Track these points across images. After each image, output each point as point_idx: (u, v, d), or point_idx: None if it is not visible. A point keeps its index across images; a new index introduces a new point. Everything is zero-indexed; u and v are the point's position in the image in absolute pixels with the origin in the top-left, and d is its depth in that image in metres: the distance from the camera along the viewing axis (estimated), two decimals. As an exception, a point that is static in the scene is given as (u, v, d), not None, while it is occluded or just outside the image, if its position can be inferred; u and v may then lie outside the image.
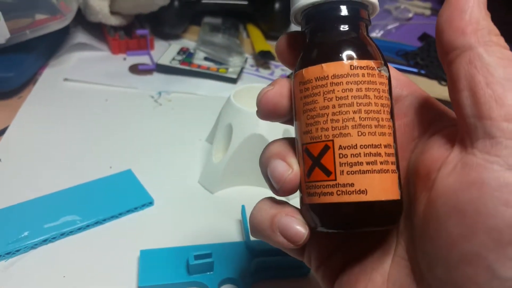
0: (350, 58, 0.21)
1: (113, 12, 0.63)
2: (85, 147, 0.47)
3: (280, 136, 0.41)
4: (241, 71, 0.63)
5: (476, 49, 0.19)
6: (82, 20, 0.65)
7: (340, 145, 0.21)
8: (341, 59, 0.21)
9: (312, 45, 0.22)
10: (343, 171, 0.21)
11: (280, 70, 0.66)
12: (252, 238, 0.36)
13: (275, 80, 0.24)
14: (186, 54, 0.65)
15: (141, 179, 0.43)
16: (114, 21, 0.64)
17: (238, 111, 0.41)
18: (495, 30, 0.19)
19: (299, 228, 0.22)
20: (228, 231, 0.39)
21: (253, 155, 0.42)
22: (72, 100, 0.55)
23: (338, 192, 0.21)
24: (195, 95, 0.58)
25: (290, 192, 0.23)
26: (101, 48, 0.65)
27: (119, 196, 0.41)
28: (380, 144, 0.21)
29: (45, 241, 0.36)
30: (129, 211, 0.40)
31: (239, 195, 0.43)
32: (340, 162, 0.21)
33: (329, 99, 0.21)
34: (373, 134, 0.21)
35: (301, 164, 0.22)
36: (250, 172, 0.43)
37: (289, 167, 0.22)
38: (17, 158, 0.45)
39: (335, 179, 0.21)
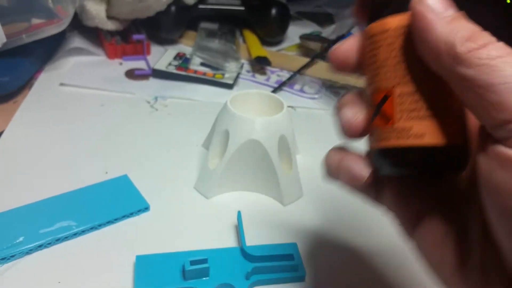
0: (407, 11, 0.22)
1: (109, 17, 0.63)
2: (81, 152, 0.47)
3: (276, 142, 0.41)
4: (237, 77, 0.63)
5: None
6: (79, 24, 0.65)
7: (400, 93, 0.22)
8: (400, 13, 0.22)
9: (376, 3, 0.24)
10: (401, 117, 0.22)
11: (276, 75, 0.66)
12: (247, 244, 0.36)
13: (348, 36, 0.26)
14: (183, 60, 0.65)
15: (137, 185, 0.43)
16: (110, 25, 0.64)
17: (234, 117, 0.41)
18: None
19: (360, 171, 0.24)
20: (224, 236, 0.39)
21: (249, 160, 0.42)
22: (68, 105, 0.55)
23: (396, 137, 0.22)
24: (191, 101, 0.58)
25: (356, 136, 0.25)
26: (97, 53, 0.65)
27: (115, 202, 0.40)
28: (441, 91, 0.21)
29: (40, 247, 0.36)
30: (125, 217, 0.39)
31: (235, 200, 0.43)
32: (399, 109, 0.22)
33: (390, 51, 0.22)
34: (434, 78, 0.21)
35: (367, 112, 0.24)
36: (246, 177, 0.43)
37: (355, 114, 0.24)
38: (12, 163, 0.45)
39: (394, 124, 0.22)
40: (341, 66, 0.25)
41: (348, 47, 0.25)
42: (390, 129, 0.22)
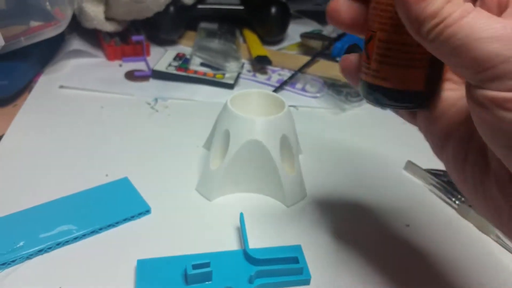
0: None
1: (108, 18, 0.63)
2: (81, 155, 0.47)
3: (278, 142, 0.41)
4: (238, 77, 0.63)
5: None
6: (77, 26, 0.65)
7: (379, 38, 0.26)
8: None
9: None
10: (376, 59, 0.27)
11: (277, 75, 0.66)
12: (250, 246, 0.36)
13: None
14: (183, 60, 0.64)
15: (138, 187, 0.42)
16: (109, 27, 0.63)
17: (235, 117, 0.41)
18: None
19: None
20: (226, 239, 0.38)
21: (251, 161, 0.41)
22: (67, 108, 0.54)
23: (369, 74, 0.27)
24: (192, 101, 0.58)
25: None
26: (97, 55, 0.65)
27: (115, 205, 0.40)
28: (411, 44, 0.25)
29: (40, 251, 0.36)
30: (126, 220, 0.39)
31: (237, 202, 0.42)
32: (376, 52, 0.26)
33: None
34: (407, 34, 0.24)
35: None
36: (248, 178, 0.43)
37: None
38: (12, 166, 0.45)
39: (370, 64, 0.27)
40: (335, 19, 0.28)
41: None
42: (368, 66, 0.27)
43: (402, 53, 0.26)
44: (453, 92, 0.27)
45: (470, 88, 0.22)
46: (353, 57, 0.29)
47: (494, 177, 0.24)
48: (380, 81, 0.27)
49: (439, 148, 0.28)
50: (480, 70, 0.21)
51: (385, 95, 0.27)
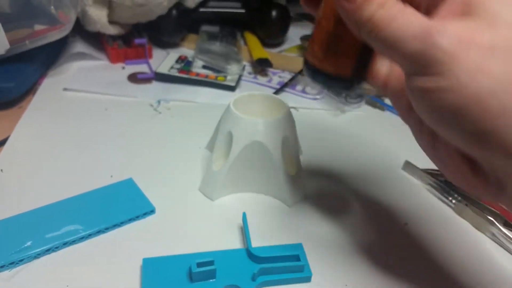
0: None
1: (111, 22, 0.64)
2: (86, 156, 0.48)
3: (279, 143, 0.42)
4: (239, 79, 0.64)
5: None
6: (80, 29, 0.65)
7: (322, 25, 0.30)
8: None
9: None
10: (317, 44, 0.31)
11: (277, 77, 0.67)
12: (253, 245, 0.37)
13: None
14: (185, 62, 0.65)
15: (142, 188, 0.43)
16: (112, 30, 0.64)
17: (238, 119, 0.42)
18: None
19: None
20: (230, 238, 0.39)
21: (253, 162, 0.42)
22: (72, 110, 0.55)
23: (311, 55, 0.31)
24: (194, 103, 0.58)
25: None
26: (100, 58, 0.66)
27: (120, 205, 0.41)
28: (346, 36, 0.29)
29: (48, 251, 0.36)
30: (131, 220, 0.40)
31: (239, 202, 0.43)
32: (318, 37, 0.31)
33: None
34: (344, 28, 0.28)
35: None
36: (250, 179, 0.43)
37: None
38: (18, 168, 0.45)
39: (313, 46, 0.31)
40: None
41: None
42: (312, 47, 0.31)
43: (337, 42, 0.30)
44: None
45: (405, 76, 0.26)
46: None
47: (441, 142, 0.28)
48: (317, 63, 0.31)
49: (405, 117, 0.31)
50: (407, 65, 0.25)
51: (319, 75, 0.32)
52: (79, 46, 0.65)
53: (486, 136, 0.24)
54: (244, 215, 0.39)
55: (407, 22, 0.24)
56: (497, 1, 0.24)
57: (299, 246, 0.38)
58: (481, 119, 0.23)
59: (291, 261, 0.36)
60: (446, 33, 0.23)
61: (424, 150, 0.30)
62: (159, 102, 0.58)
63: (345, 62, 0.31)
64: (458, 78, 0.23)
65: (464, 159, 0.27)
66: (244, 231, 0.38)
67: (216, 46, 0.67)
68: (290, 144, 0.43)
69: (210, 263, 0.34)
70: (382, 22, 0.25)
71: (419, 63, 0.24)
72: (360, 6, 0.26)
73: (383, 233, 0.41)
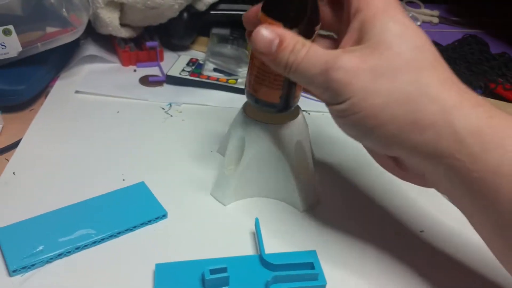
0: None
1: (122, 24, 0.64)
2: (97, 159, 0.48)
3: (292, 148, 0.41)
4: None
5: None
6: (92, 32, 0.65)
7: (253, 61, 0.37)
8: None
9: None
10: (251, 75, 0.38)
11: (289, 80, 0.66)
12: (266, 252, 0.36)
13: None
14: (196, 65, 0.65)
15: (154, 191, 0.43)
16: (124, 33, 0.64)
17: (250, 124, 0.41)
18: None
19: None
20: (242, 244, 0.39)
21: (265, 167, 0.42)
22: (84, 112, 0.55)
23: (247, 83, 0.39)
24: (205, 106, 0.58)
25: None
26: (112, 60, 0.66)
27: (133, 209, 0.41)
28: (272, 73, 0.36)
29: (60, 255, 0.36)
30: (143, 224, 0.40)
31: (251, 207, 0.43)
32: (251, 70, 0.38)
33: None
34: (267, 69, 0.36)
35: None
36: (262, 184, 0.43)
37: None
38: (30, 171, 0.45)
39: (250, 77, 0.38)
40: (249, 24, 0.38)
41: (253, 11, 0.37)
42: (248, 78, 0.39)
43: (265, 77, 0.37)
44: None
45: (325, 105, 0.32)
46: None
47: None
48: (252, 91, 0.38)
49: None
50: (321, 97, 0.32)
51: (255, 100, 0.39)
52: (91, 49, 0.65)
53: (388, 141, 0.30)
54: (257, 220, 0.39)
55: (312, 62, 0.30)
56: (383, 27, 0.29)
57: (313, 254, 0.37)
58: (379, 129, 0.29)
59: (306, 269, 0.35)
60: (340, 66, 0.29)
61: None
62: (170, 105, 0.58)
63: (274, 93, 0.37)
64: (353, 102, 0.29)
65: (388, 157, 0.34)
66: (257, 237, 0.38)
67: (227, 49, 0.67)
68: (303, 149, 0.42)
69: (223, 270, 0.34)
70: (294, 64, 0.31)
71: (327, 94, 0.31)
72: (276, 55, 0.32)
73: (398, 240, 0.40)
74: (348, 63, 0.29)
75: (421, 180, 0.33)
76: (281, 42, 0.31)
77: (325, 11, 0.36)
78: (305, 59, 0.31)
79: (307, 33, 0.33)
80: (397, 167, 0.34)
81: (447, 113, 0.28)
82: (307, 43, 0.31)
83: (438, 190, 0.33)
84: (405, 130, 0.29)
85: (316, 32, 0.34)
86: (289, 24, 0.33)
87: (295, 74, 0.32)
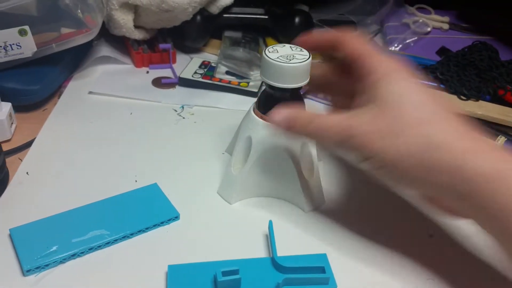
0: None
1: (136, 26, 0.64)
2: (110, 160, 0.48)
3: (298, 149, 0.41)
4: (261, 85, 0.64)
5: None
6: (105, 33, 0.66)
7: None
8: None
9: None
10: None
11: (300, 84, 0.66)
12: (278, 254, 0.36)
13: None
14: (208, 68, 0.65)
15: (166, 193, 0.43)
16: (137, 35, 0.64)
17: (257, 124, 0.42)
18: None
19: None
20: (252, 245, 0.39)
21: (271, 167, 0.42)
22: (97, 113, 0.56)
23: None
24: (217, 109, 0.58)
25: None
26: (125, 61, 0.66)
27: (146, 210, 0.41)
28: None
29: (73, 256, 0.37)
30: (155, 226, 0.40)
31: (259, 208, 0.43)
32: None
33: None
34: None
35: None
36: (268, 183, 0.43)
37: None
38: (44, 171, 0.46)
39: None
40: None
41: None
42: None
43: None
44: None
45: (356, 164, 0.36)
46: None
47: None
48: None
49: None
50: (349, 158, 0.38)
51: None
52: (104, 50, 0.66)
53: (419, 184, 0.34)
54: (270, 223, 0.39)
55: (323, 125, 0.36)
56: (388, 88, 0.34)
57: (323, 257, 0.38)
58: (406, 176, 0.33)
59: (316, 272, 0.35)
60: (354, 134, 0.34)
61: None
62: (182, 107, 0.58)
63: None
64: (375, 159, 0.33)
65: (437, 202, 0.38)
66: (270, 240, 0.38)
67: (239, 52, 0.67)
68: (309, 150, 0.43)
69: (235, 272, 0.34)
70: (310, 131, 0.36)
71: (350, 157, 0.35)
72: (295, 127, 0.37)
73: (406, 244, 0.40)
74: (360, 128, 0.33)
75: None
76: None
77: (332, 79, 0.43)
78: (315, 124, 0.36)
79: None
80: (445, 209, 0.38)
81: (459, 159, 0.31)
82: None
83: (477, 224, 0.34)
84: (426, 176, 0.32)
85: None
86: None
87: (320, 141, 0.40)
